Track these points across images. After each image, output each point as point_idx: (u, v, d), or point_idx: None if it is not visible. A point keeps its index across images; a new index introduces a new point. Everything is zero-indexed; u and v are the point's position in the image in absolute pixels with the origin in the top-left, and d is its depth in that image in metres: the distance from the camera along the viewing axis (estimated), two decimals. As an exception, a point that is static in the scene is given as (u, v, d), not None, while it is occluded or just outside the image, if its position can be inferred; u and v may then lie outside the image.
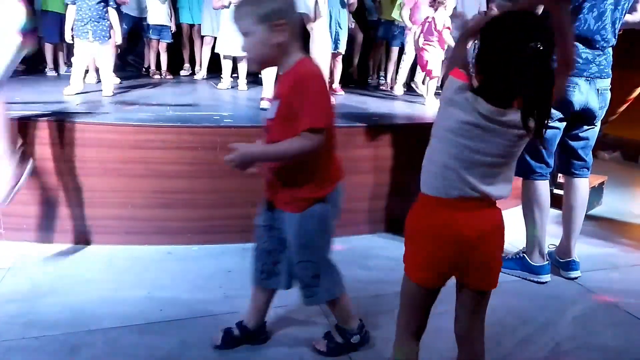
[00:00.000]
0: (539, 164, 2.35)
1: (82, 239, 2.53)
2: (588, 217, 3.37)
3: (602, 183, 3.68)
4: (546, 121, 1.14)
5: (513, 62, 1.08)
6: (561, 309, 2.17)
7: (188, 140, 2.56)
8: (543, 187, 2.37)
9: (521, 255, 2.46)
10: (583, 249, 2.85)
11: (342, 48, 4.56)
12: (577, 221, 2.44)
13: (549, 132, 2.27)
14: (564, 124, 2.33)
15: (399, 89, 4.87)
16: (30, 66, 5.02)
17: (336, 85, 4.70)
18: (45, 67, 5.05)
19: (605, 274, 2.55)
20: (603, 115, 2.36)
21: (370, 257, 2.55)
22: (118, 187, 2.52)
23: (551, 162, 2.39)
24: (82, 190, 2.50)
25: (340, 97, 4.34)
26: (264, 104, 3.34)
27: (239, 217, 2.67)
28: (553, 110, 2.25)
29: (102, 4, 3.51)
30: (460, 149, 1.18)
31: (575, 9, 2.16)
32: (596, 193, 3.60)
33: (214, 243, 2.62)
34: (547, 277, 2.40)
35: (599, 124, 2.39)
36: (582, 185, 2.43)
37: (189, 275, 2.30)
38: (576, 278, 2.43)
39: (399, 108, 4.09)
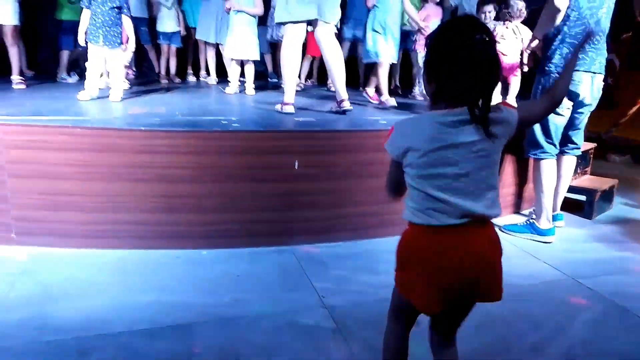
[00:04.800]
0: (548, 144, 2.83)
1: (92, 243, 2.55)
2: (599, 221, 3.36)
3: (613, 187, 3.65)
4: (488, 109, 1.15)
5: (463, 56, 1.12)
6: (572, 314, 2.15)
7: (197, 145, 2.57)
8: (550, 165, 2.87)
9: (530, 221, 2.99)
10: (594, 252, 2.83)
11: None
12: (563, 185, 3.07)
13: (559, 119, 2.78)
14: (569, 111, 2.79)
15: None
16: (42, 72, 5.08)
17: (386, 97, 4.18)
18: (58, 74, 4.99)
19: (617, 278, 2.53)
20: (595, 106, 2.86)
21: (380, 262, 2.54)
22: (127, 192, 2.53)
23: (557, 145, 2.86)
24: (92, 194, 2.51)
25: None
26: (289, 109, 3.34)
27: (248, 222, 2.68)
28: (564, 101, 2.52)
29: (116, 9, 3.55)
30: (438, 179, 1.16)
31: (580, 15, 2.62)
32: (607, 197, 3.57)
33: (222, 247, 2.63)
34: (552, 238, 2.91)
35: (589, 113, 2.91)
36: (571, 160, 3.05)
37: (198, 280, 2.31)
38: (560, 227, 3.07)
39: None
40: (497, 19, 3.89)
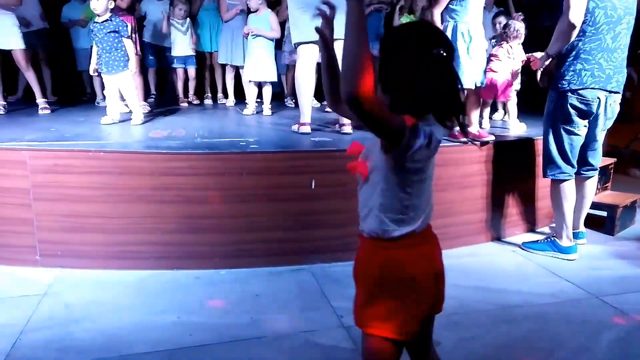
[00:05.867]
0: (566, 164, 2.77)
1: (115, 264, 2.60)
2: (621, 237, 3.30)
3: (635, 202, 3.59)
4: (462, 117, 1.13)
5: (420, 71, 1.04)
6: (596, 333, 2.10)
7: (216, 166, 2.62)
8: (569, 185, 2.83)
9: (552, 238, 2.96)
10: (617, 269, 2.78)
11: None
12: (586, 204, 3.04)
13: (575, 138, 2.74)
14: (586, 130, 2.74)
15: None
16: (65, 96, 5.22)
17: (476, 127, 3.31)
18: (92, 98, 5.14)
19: (642, 296, 2.47)
20: (610, 125, 2.82)
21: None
22: (149, 213, 2.58)
23: (575, 165, 2.82)
24: (115, 217, 2.57)
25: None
26: (305, 129, 3.37)
27: (266, 241, 2.70)
28: (578, 120, 2.68)
29: (112, 34, 3.59)
30: (418, 185, 1.15)
31: (596, 30, 2.57)
32: (628, 212, 3.51)
33: (241, 267, 2.65)
34: (575, 256, 2.88)
35: (605, 132, 2.85)
36: (592, 181, 2.99)
37: (218, 300, 2.33)
38: (582, 244, 3.04)
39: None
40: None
